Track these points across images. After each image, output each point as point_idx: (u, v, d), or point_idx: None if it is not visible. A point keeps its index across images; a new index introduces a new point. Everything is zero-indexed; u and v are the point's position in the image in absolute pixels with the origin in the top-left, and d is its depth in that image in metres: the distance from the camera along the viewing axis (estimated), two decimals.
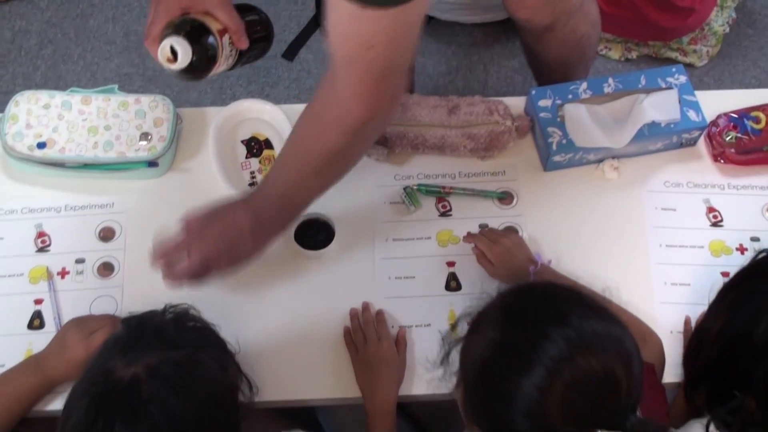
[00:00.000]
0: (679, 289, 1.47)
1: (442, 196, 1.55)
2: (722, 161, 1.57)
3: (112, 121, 1.53)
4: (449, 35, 2.55)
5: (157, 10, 1.29)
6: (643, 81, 1.57)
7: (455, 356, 1.08)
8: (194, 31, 1.26)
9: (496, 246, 1.42)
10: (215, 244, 1.27)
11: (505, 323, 1.01)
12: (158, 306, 1.18)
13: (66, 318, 1.41)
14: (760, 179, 1.57)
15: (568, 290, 1.06)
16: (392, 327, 1.42)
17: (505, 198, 1.55)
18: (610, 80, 1.57)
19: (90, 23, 2.65)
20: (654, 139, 1.54)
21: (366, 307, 1.43)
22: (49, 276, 1.46)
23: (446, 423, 1.27)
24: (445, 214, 1.54)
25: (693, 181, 1.57)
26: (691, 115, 1.53)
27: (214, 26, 1.29)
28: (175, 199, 1.51)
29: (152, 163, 1.52)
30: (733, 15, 2.53)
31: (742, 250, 1.50)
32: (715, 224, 1.52)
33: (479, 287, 1.20)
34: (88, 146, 1.51)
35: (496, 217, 1.53)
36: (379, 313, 1.43)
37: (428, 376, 1.28)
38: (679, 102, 1.54)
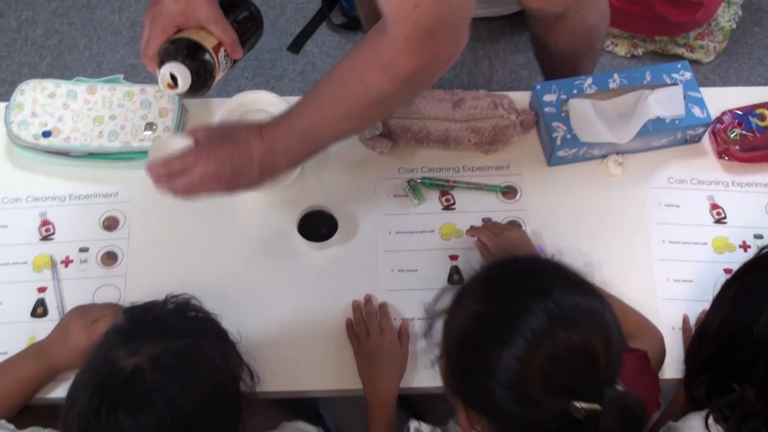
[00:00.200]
0: (682, 286, 1.47)
1: (445, 189, 1.55)
2: (726, 158, 1.57)
3: (117, 111, 1.53)
4: None
5: (152, 28, 1.30)
6: (648, 77, 1.57)
7: (439, 330, 1.09)
8: (191, 51, 1.29)
9: (500, 239, 1.42)
10: (221, 165, 1.25)
11: (488, 295, 1.03)
12: (161, 296, 1.18)
13: (69, 306, 1.41)
14: (764, 176, 1.57)
15: (551, 264, 1.08)
16: (395, 319, 1.42)
17: (508, 192, 1.55)
18: (616, 76, 1.57)
19: (96, 14, 2.66)
20: (658, 135, 1.54)
21: (369, 299, 1.44)
22: (53, 264, 1.47)
23: (447, 415, 1.28)
24: (448, 207, 1.54)
25: (697, 178, 1.57)
26: (696, 111, 1.53)
27: (209, 43, 1.31)
28: None
29: None
30: (740, 12, 2.53)
31: (745, 247, 1.50)
32: (718, 221, 1.52)
33: None
34: (93, 135, 1.51)
35: (500, 211, 1.53)
36: (383, 306, 1.43)
37: (431, 368, 1.28)
38: (684, 98, 1.54)
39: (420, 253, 1.49)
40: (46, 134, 1.50)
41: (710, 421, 1.13)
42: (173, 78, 1.28)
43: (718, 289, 1.22)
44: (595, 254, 1.45)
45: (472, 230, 1.47)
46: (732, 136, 1.56)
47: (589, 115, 1.52)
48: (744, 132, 1.56)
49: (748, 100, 1.61)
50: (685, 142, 1.58)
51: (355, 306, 1.43)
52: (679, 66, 1.58)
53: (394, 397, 1.35)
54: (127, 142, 1.51)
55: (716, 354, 1.17)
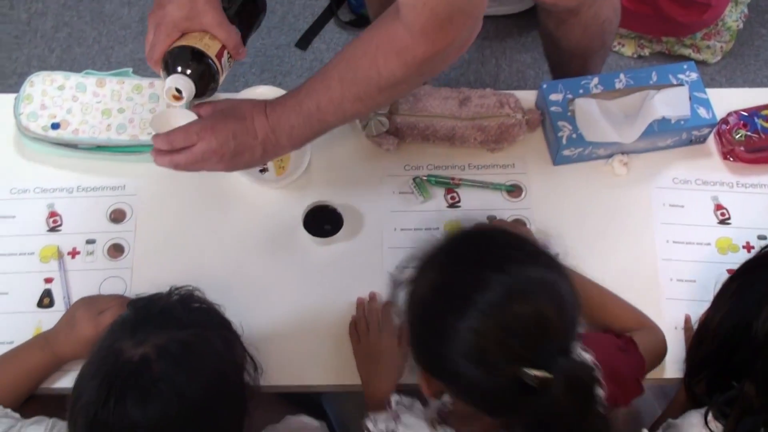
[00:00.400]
0: (685, 286, 1.47)
1: (451, 187, 1.55)
2: (731, 159, 1.57)
3: (126, 104, 1.54)
4: None
5: (157, 33, 1.32)
6: (654, 77, 1.57)
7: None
8: (195, 58, 1.31)
9: None
10: (224, 142, 1.26)
11: (446, 266, 1.05)
12: (166, 288, 1.19)
13: (75, 297, 1.42)
14: None
15: (509, 236, 1.10)
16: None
17: (513, 191, 1.56)
18: (622, 76, 1.58)
19: (106, 7, 2.67)
20: (664, 135, 1.54)
21: (372, 296, 1.44)
22: (60, 255, 1.48)
23: None
24: (453, 205, 1.54)
25: (702, 179, 1.57)
26: (702, 112, 1.54)
27: (213, 49, 1.32)
28: (186, 182, 1.51)
29: None
30: (746, 11, 2.53)
31: (748, 248, 1.50)
32: (722, 222, 1.53)
33: None
34: (101, 128, 1.52)
35: (505, 209, 1.53)
36: (386, 305, 1.42)
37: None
38: (690, 99, 1.54)
39: None
40: (55, 126, 1.51)
41: (709, 417, 1.14)
42: (178, 90, 1.31)
43: (719, 287, 1.23)
44: (600, 253, 1.47)
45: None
46: (737, 137, 1.56)
47: (594, 114, 1.52)
48: (749, 133, 1.56)
49: (753, 101, 1.61)
50: (690, 142, 1.59)
51: (359, 303, 1.43)
52: (685, 67, 1.59)
53: (389, 395, 1.35)
54: (135, 135, 1.52)
55: (716, 351, 1.18)
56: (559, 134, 1.52)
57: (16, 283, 1.45)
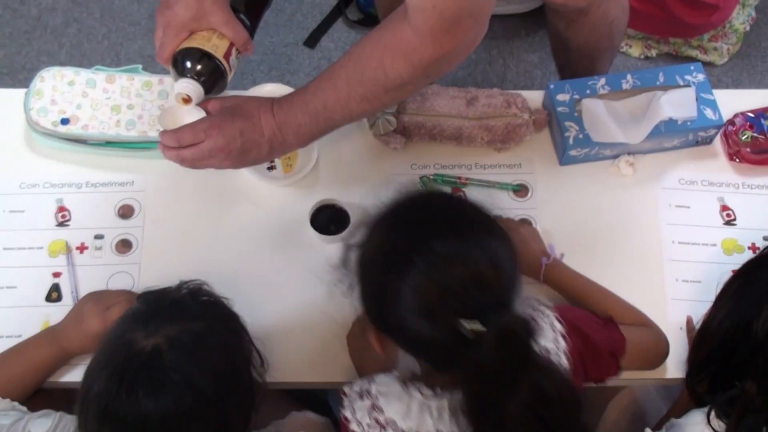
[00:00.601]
0: (691, 286, 1.47)
1: (458, 186, 1.56)
2: (737, 160, 1.57)
3: (135, 101, 1.55)
4: None
5: (166, 32, 1.33)
6: (661, 78, 1.58)
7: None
8: (203, 61, 1.32)
9: (514, 234, 1.42)
10: (231, 140, 1.28)
11: (391, 228, 1.10)
12: (174, 283, 1.20)
13: (83, 292, 1.43)
14: None
15: (453, 200, 1.17)
16: None
17: (520, 190, 1.56)
18: (629, 76, 1.58)
19: (115, 3, 2.68)
20: (670, 136, 1.54)
21: None
22: (68, 250, 1.48)
23: None
24: None
25: (708, 179, 1.57)
26: (708, 113, 1.54)
27: (221, 49, 1.33)
28: (194, 179, 1.52)
29: None
30: (753, 14, 2.53)
31: (754, 249, 1.51)
32: (728, 223, 1.53)
33: None
34: (110, 124, 1.52)
35: (511, 209, 1.54)
36: None
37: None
38: (697, 100, 1.55)
39: None
40: (65, 121, 1.52)
41: (712, 416, 1.14)
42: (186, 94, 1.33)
43: (720, 287, 1.23)
44: (606, 253, 1.48)
45: None
46: (743, 138, 1.57)
47: (601, 115, 1.53)
48: (755, 134, 1.57)
49: (760, 102, 1.62)
50: (697, 143, 1.59)
51: None
52: (692, 68, 1.59)
53: None
54: (144, 131, 1.52)
55: (717, 350, 1.19)
56: (566, 134, 1.52)
57: (25, 277, 1.46)
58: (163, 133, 1.31)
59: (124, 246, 1.50)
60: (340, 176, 1.56)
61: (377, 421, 1.15)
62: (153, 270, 1.46)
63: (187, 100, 1.33)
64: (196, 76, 1.32)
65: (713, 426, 1.15)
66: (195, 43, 1.32)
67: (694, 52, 2.52)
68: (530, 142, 1.59)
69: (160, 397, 1.02)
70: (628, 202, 1.55)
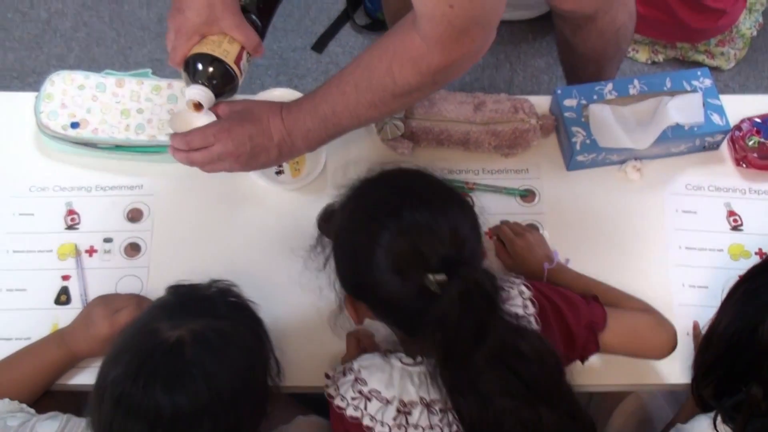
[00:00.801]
0: (698, 292, 1.48)
1: (465, 191, 1.56)
2: (744, 165, 1.57)
3: (145, 105, 1.55)
4: None
5: (177, 37, 1.34)
6: (668, 83, 1.58)
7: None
8: (214, 66, 1.34)
9: (519, 240, 1.44)
10: (241, 144, 1.30)
11: (366, 199, 1.18)
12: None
13: (92, 295, 1.44)
14: None
15: (423, 175, 1.21)
16: None
17: (527, 196, 1.57)
18: (636, 82, 1.58)
19: (125, 8, 2.69)
20: (677, 141, 1.55)
21: None
22: (77, 253, 1.49)
23: None
24: None
25: (714, 185, 1.57)
26: (715, 118, 1.54)
27: (232, 54, 1.35)
28: (203, 183, 1.53)
29: None
30: (760, 19, 2.53)
31: (761, 254, 1.51)
32: (735, 228, 1.53)
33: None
34: (120, 128, 1.53)
35: (518, 214, 1.54)
36: None
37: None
38: (704, 105, 1.55)
39: None
40: (75, 125, 1.52)
41: (718, 421, 1.15)
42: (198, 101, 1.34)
43: (726, 292, 1.24)
44: (612, 259, 1.48)
45: (493, 229, 1.50)
46: (750, 143, 1.57)
47: (608, 120, 1.53)
48: (762, 140, 1.57)
49: (767, 108, 1.62)
50: (704, 148, 1.59)
51: None
52: (699, 73, 1.59)
53: None
54: (154, 135, 1.53)
55: (722, 355, 1.19)
56: (573, 140, 1.53)
57: (34, 280, 1.47)
58: (174, 135, 1.33)
59: (133, 249, 1.50)
60: (348, 181, 1.56)
61: (361, 393, 1.18)
62: (161, 273, 1.47)
63: (197, 107, 1.34)
64: (207, 81, 1.33)
65: (719, 431, 1.15)
66: (206, 48, 1.33)
67: (700, 57, 2.52)
68: (537, 148, 1.59)
69: (177, 390, 1.03)
70: (635, 208, 1.55)
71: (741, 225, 1.53)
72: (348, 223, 1.17)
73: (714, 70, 2.50)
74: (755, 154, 1.56)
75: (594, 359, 1.36)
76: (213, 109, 1.36)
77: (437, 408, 1.15)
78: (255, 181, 1.53)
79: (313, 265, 1.26)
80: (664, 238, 1.52)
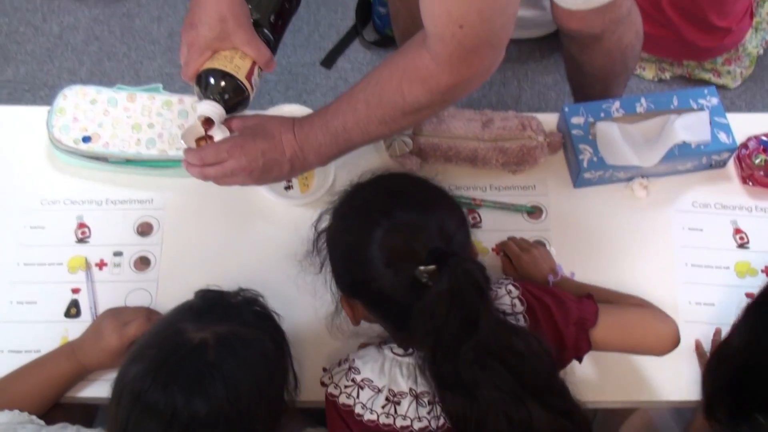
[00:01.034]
0: (704, 309, 1.48)
1: (472, 207, 1.57)
2: (751, 183, 1.58)
3: (156, 120, 1.56)
4: None
5: (190, 52, 1.35)
6: (675, 102, 1.58)
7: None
8: (226, 81, 1.35)
9: (526, 256, 1.44)
10: (254, 160, 1.32)
11: (360, 201, 1.21)
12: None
13: (102, 308, 1.44)
14: None
15: (415, 179, 1.26)
16: None
17: (534, 212, 1.57)
18: (643, 100, 1.59)
19: (136, 22, 2.71)
20: (684, 159, 1.55)
21: None
22: (88, 267, 1.50)
23: None
24: (475, 225, 1.56)
25: (721, 203, 1.58)
26: (722, 137, 1.55)
27: (243, 69, 1.36)
28: (212, 197, 1.54)
29: None
30: (767, 38, 2.53)
31: (767, 271, 1.51)
32: (741, 246, 1.54)
33: None
34: (131, 142, 1.54)
35: (525, 230, 1.55)
36: None
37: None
38: (710, 124, 1.56)
39: None
40: (86, 139, 1.53)
41: None
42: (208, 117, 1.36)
43: (739, 311, 1.23)
44: (619, 276, 1.48)
45: (499, 246, 1.51)
46: (757, 161, 1.58)
47: (615, 138, 1.54)
48: None
49: None
50: (710, 166, 1.60)
51: None
52: (705, 91, 1.60)
53: None
54: (164, 150, 1.54)
55: (736, 378, 1.17)
56: (580, 157, 1.54)
57: (44, 292, 1.47)
58: (188, 151, 1.34)
59: (143, 263, 1.51)
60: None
61: (354, 381, 1.21)
62: (171, 287, 1.48)
63: (208, 122, 1.36)
64: (219, 96, 1.34)
65: None
66: (217, 63, 1.35)
67: (707, 75, 2.53)
68: (545, 165, 1.60)
69: (195, 390, 1.04)
70: (641, 225, 1.56)
71: (747, 243, 1.54)
72: (342, 224, 1.21)
73: (720, 88, 2.51)
74: (762, 172, 1.57)
75: (596, 374, 1.36)
76: (226, 123, 1.37)
77: (426, 400, 1.17)
78: (264, 196, 1.54)
79: (319, 275, 1.28)
80: (670, 255, 1.53)
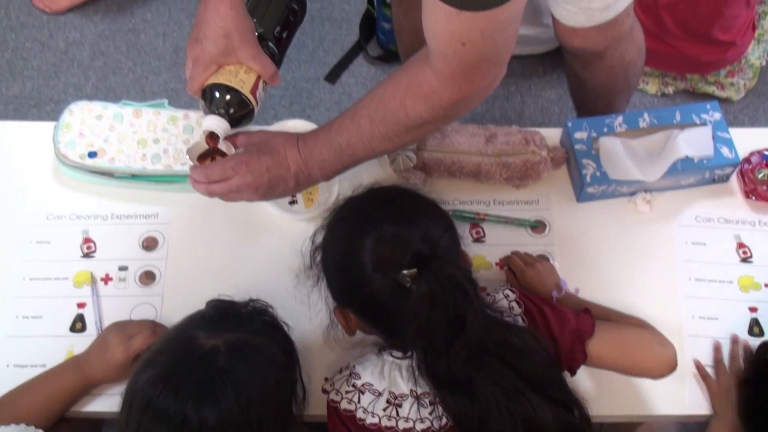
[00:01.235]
0: (707, 323, 1.48)
1: (476, 222, 1.58)
2: (754, 198, 1.58)
3: (161, 135, 1.57)
4: None
5: (195, 66, 1.36)
6: (678, 116, 1.59)
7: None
8: (230, 96, 1.36)
9: (530, 270, 1.45)
10: (259, 176, 1.33)
11: (351, 213, 1.24)
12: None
13: (107, 323, 1.45)
14: None
15: (406, 192, 1.29)
16: None
17: (537, 227, 1.58)
18: (646, 115, 1.60)
19: (141, 38, 2.73)
20: (687, 174, 1.56)
21: None
22: (93, 281, 1.50)
23: None
24: (478, 240, 1.56)
25: (724, 217, 1.58)
26: (725, 151, 1.55)
27: (248, 84, 1.37)
28: (217, 212, 1.55)
29: None
30: None
31: None
32: (744, 260, 1.54)
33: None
34: (136, 158, 1.55)
35: (529, 245, 1.55)
36: None
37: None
38: (713, 138, 1.56)
39: None
40: (92, 155, 1.54)
41: None
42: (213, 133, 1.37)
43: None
44: (622, 290, 1.48)
45: (504, 260, 1.51)
46: (760, 176, 1.58)
47: (618, 153, 1.54)
48: None
49: None
50: (713, 181, 1.60)
51: None
52: (708, 106, 1.60)
53: None
54: (170, 165, 1.55)
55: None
56: (584, 172, 1.54)
57: (50, 307, 1.48)
58: (194, 168, 1.36)
59: (148, 278, 1.52)
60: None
61: (354, 386, 1.23)
62: (176, 302, 1.48)
63: (212, 136, 1.37)
64: (223, 111, 1.36)
65: None
66: (222, 78, 1.36)
67: (711, 89, 2.53)
68: (548, 179, 1.61)
69: (206, 397, 1.05)
70: (644, 239, 1.56)
71: (751, 257, 1.54)
72: (334, 234, 1.24)
73: (724, 101, 2.52)
74: (765, 187, 1.57)
75: (597, 389, 1.36)
76: (231, 139, 1.38)
77: (427, 401, 1.18)
78: (268, 210, 1.54)
79: (318, 288, 1.30)
80: (673, 269, 1.53)
